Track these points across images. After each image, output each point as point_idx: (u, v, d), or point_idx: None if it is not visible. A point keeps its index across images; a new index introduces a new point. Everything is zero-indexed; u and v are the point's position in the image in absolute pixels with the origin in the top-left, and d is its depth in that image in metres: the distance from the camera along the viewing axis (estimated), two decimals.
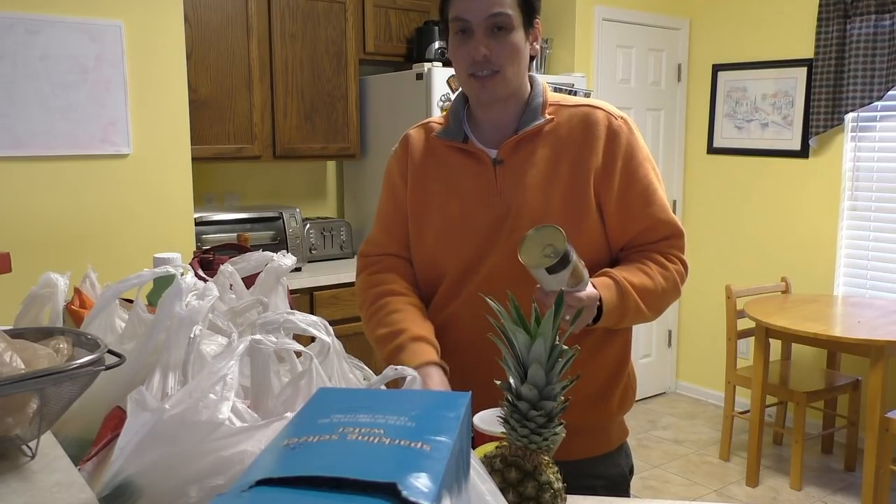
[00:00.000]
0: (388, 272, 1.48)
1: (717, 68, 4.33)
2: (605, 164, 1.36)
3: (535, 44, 1.38)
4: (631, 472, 1.51)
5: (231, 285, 1.16)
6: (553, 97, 1.43)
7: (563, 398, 0.90)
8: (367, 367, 0.96)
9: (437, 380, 1.27)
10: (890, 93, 3.63)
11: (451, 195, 1.41)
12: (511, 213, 1.36)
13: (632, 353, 1.51)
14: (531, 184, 1.36)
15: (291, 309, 1.09)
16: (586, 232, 1.36)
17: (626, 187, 1.37)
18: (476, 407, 1.09)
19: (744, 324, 3.57)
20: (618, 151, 1.36)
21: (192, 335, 0.88)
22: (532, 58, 1.40)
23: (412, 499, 0.43)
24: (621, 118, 1.39)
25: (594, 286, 1.29)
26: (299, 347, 0.83)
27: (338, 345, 0.87)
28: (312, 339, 0.86)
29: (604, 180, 1.36)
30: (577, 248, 1.28)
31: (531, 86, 1.42)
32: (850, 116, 3.84)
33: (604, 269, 1.36)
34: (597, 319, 1.30)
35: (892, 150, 3.78)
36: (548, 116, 1.39)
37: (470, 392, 0.61)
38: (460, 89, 1.44)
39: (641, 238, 1.39)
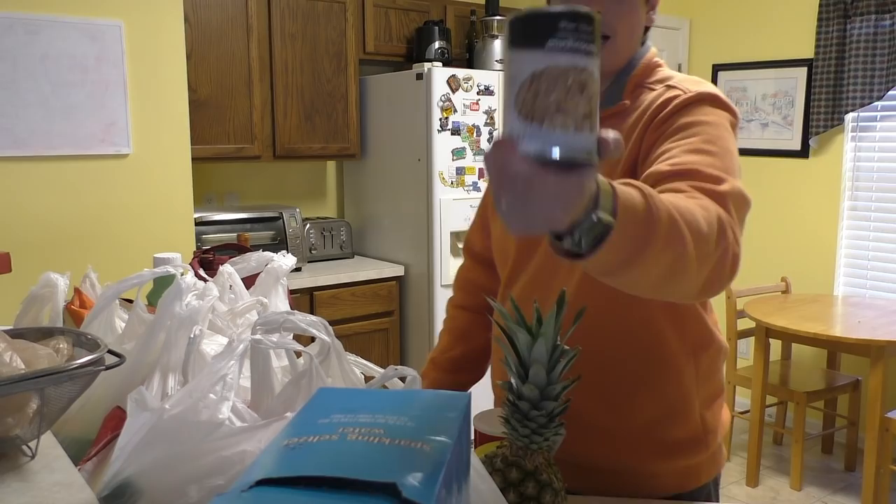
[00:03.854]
0: (460, 280, 1.51)
1: (717, 68, 4.33)
2: (640, 139, 1.11)
3: (651, 13, 1.19)
4: None
5: (231, 285, 1.16)
6: (652, 75, 1.20)
7: (563, 398, 0.90)
8: (370, 363, 0.96)
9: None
10: (890, 93, 3.63)
11: None
12: None
13: (719, 402, 1.24)
14: None
15: (291, 309, 1.09)
16: None
17: (650, 146, 1.09)
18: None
19: (744, 324, 3.57)
20: (658, 117, 1.10)
21: (192, 335, 0.88)
22: (647, 28, 1.21)
23: (412, 499, 0.43)
24: (690, 90, 1.11)
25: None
26: (299, 347, 0.82)
27: (338, 345, 0.86)
28: (312, 339, 0.86)
29: (639, 160, 1.11)
30: None
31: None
32: (850, 116, 3.84)
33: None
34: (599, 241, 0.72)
35: (892, 150, 3.77)
36: (624, 100, 1.18)
37: (470, 392, 0.61)
38: None
39: (653, 175, 1.02)
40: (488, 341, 1.44)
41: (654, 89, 1.16)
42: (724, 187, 0.95)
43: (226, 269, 1.17)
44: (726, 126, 1.08)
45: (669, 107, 1.10)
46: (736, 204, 0.95)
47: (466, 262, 1.50)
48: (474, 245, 1.47)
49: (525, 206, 0.59)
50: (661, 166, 1.00)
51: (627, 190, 0.75)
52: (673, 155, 1.02)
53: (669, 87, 1.15)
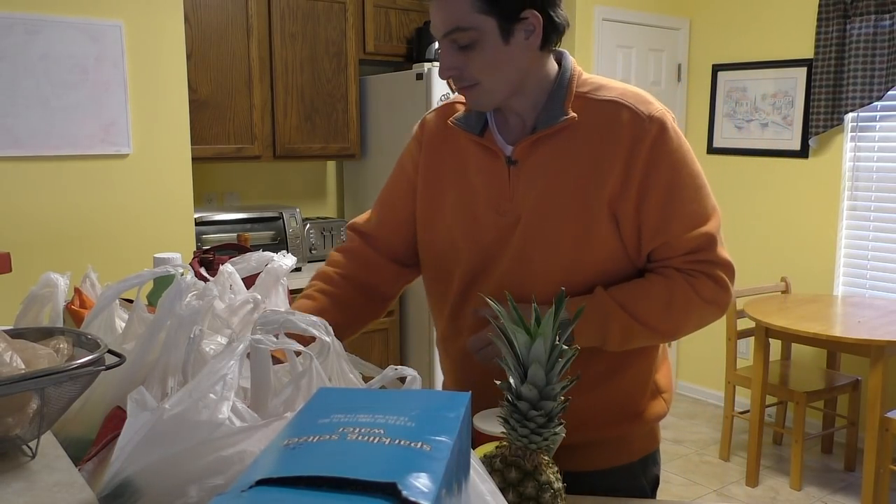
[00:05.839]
0: (346, 252, 1.44)
1: (716, 68, 4.33)
2: (624, 175, 1.20)
3: (531, 38, 1.18)
4: (655, 485, 1.39)
5: (231, 285, 1.16)
6: (584, 84, 1.26)
7: (563, 398, 0.90)
8: (369, 363, 0.96)
9: None
10: (890, 93, 3.63)
11: (464, 193, 1.31)
12: (521, 222, 1.25)
13: (664, 363, 1.39)
14: (544, 191, 1.24)
15: (291, 309, 1.09)
16: (597, 249, 1.23)
17: (644, 202, 1.22)
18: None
19: (743, 324, 3.57)
20: (637, 159, 1.20)
21: (192, 335, 0.88)
22: (550, 41, 1.21)
23: (412, 499, 0.43)
24: (649, 117, 1.21)
25: None
26: (299, 347, 0.83)
27: (338, 345, 0.87)
28: (312, 338, 0.86)
29: (621, 194, 1.21)
30: (589, 267, 1.24)
31: (559, 68, 1.26)
32: (849, 116, 3.84)
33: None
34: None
35: (891, 150, 3.77)
36: (570, 113, 1.22)
37: (470, 392, 0.61)
38: None
39: (661, 253, 1.25)
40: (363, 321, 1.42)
41: (595, 98, 1.24)
42: (719, 256, 1.24)
43: (226, 269, 1.17)
44: (681, 145, 1.24)
45: (643, 145, 1.20)
46: (709, 261, 1.24)
47: (359, 241, 1.46)
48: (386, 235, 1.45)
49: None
50: (676, 262, 1.24)
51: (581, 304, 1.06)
52: (677, 247, 1.23)
53: (616, 103, 1.22)
